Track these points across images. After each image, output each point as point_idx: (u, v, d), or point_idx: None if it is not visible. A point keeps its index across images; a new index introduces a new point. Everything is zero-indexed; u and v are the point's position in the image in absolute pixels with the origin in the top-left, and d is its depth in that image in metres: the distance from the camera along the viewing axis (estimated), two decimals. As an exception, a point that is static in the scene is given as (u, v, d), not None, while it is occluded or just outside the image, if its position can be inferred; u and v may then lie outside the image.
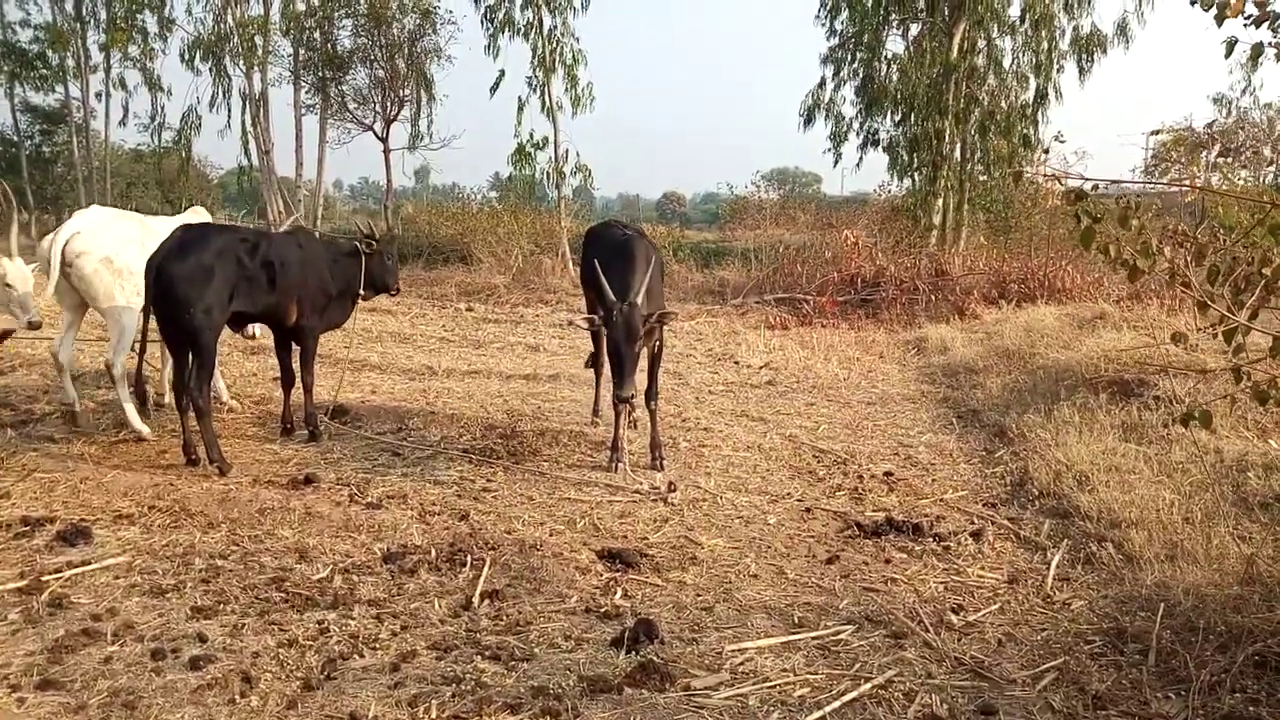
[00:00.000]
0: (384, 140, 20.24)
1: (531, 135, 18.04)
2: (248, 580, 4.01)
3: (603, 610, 3.73)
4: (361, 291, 6.70)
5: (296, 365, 6.45)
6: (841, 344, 11.79)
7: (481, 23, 17.40)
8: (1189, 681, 3.09)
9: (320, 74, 20.03)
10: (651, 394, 6.14)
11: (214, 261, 5.57)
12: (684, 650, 3.41)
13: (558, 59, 17.24)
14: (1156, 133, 16.94)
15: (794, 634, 3.57)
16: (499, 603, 3.78)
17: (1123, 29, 18.21)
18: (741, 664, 3.31)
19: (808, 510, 5.13)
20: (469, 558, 4.23)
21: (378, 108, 19.96)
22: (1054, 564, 4.22)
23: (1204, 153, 13.45)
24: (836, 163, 22.75)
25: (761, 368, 10.01)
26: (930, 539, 4.63)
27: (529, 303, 16.09)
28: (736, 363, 10.41)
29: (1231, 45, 2.79)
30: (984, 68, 19.65)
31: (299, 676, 3.13)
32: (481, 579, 3.98)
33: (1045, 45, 19.74)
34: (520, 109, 17.93)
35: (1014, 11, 19.85)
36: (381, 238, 6.79)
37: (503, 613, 3.70)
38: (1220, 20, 2.65)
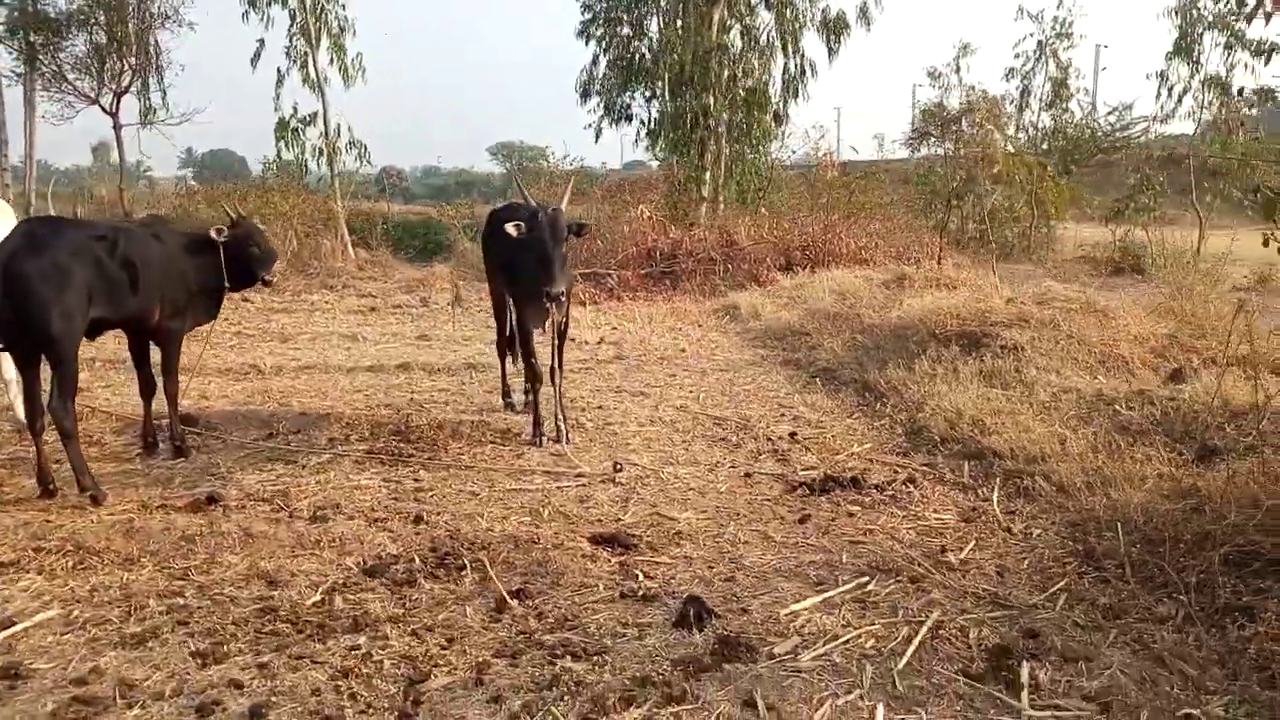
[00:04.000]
0: (114, 115, 18.02)
1: (295, 109, 16.84)
2: (231, 614, 3.59)
3: (639, 594, 3.72)
4: (227, 284, 6.04)
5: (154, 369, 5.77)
6: (657, 315, 12.12)
7: (235, -14, 15.91)
8: (1170, 586, 3.61)
9: (27, 38, 17.43)
10: (558, 367, 6.14)
11: (70, 260, 4.84)
12: (742, 620, 3.50)
13: (323, 28, 16.15)
14: (937, 108, 18.62)
15: (823, 591, 3.75)
16: (531, 601, 3.66)
17: (864, 12, 19.86)
18: (803, 625, 3.45)
19: (747, 475, 5.33)
20: (463, 560, 4.03)
21: (105, 78, 17.71)
22: (995, 500, 4.71)
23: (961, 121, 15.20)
24: (598, 138, 23.23)
25: (599, 343, 10.12)
26: (873, 490, 4.98)
27: (311, 289, 15.10)
28: (572, 339, 10.42)
29: None
30: (741, 47, 20.73)
31: (386, 708, 2.89)
32: (495, 580, 3.82)
33: (792, 26, 21.14)
34: (280, 82, 16.68)
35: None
36: (241, 222, 6.14)
37: (541, 611, 3.58)
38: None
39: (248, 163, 45.72)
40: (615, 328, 11.08)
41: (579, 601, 3.67)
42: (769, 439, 6.09)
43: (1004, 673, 3.10)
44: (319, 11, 16.06)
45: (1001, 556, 4.08)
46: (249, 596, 3.77)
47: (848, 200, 15.74)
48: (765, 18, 21.22)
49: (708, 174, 20.47)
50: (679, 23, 19.89)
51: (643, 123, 22.46)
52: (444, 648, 3.31)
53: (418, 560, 4.08)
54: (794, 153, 22.21)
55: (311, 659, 3.23)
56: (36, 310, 4.68)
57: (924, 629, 3.38)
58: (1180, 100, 19.44)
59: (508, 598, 3.65)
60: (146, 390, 5.87)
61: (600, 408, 6.92)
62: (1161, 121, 21.03)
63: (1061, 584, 3.73)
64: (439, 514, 4.71)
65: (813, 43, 21.46)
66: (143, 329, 5.64)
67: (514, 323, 6.72)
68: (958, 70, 28.24)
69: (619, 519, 4.63)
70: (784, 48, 21.10)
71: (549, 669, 3.11)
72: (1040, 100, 29.17)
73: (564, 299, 5.57)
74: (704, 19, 19.69)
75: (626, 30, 22.15)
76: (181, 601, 3.71)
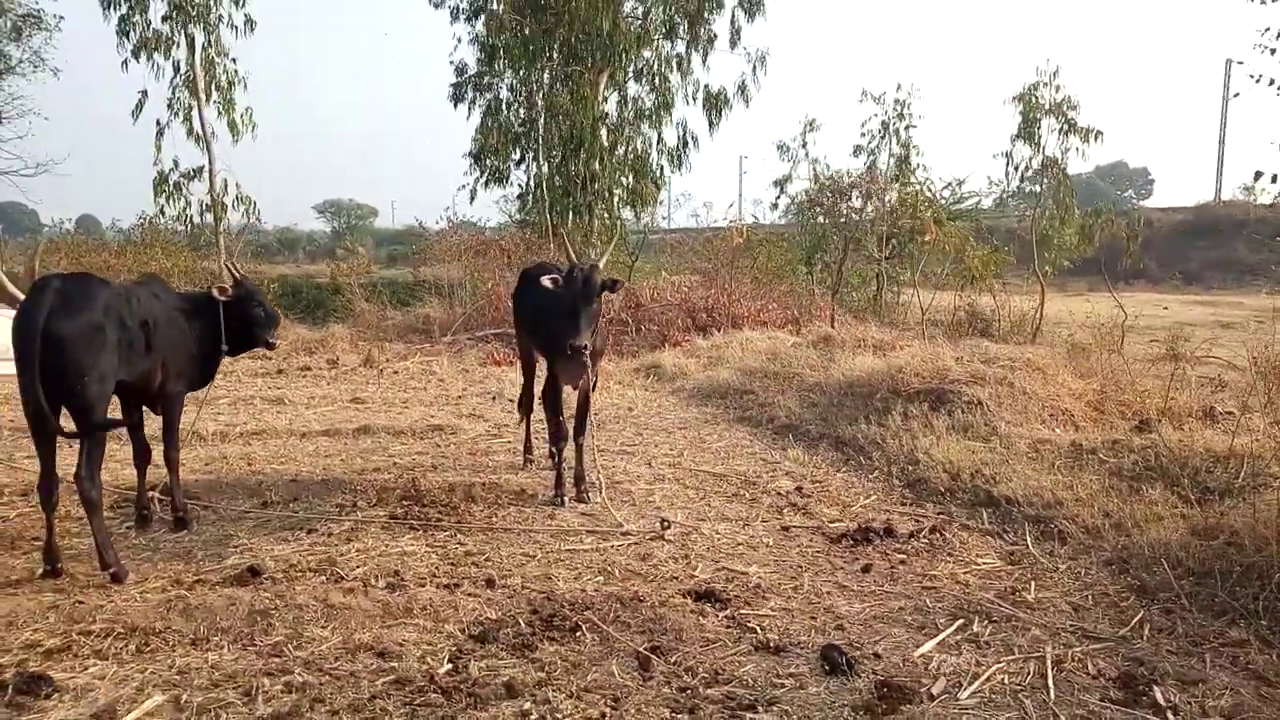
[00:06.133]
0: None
1: (176, 164, 16.05)
2: (364, 689, 3.43)
3: (770, 646, 3.81)
4: (224, 347, 5.77)
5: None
6: (583, 376, 12.19)
7: (117, 35, 15.05)
8: (1232, 613, 4.04)
9: None
10: (580, 429, 6.18)
11: (104, 319, 4.56)
12: (880, 664, 3.65)
13: (212, 82, 15.52)
14: (828, 180, 19.64)
15: (932, 634, 3.96)
16: (670, 658, 3.68)
17: (742, 89, 20.97)
18: (938, 667, 3.63)
19: (785, 529, 5.51)
20: (573, 621, 4.00)
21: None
22: (1031, 544, 5.08)
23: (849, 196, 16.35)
24: (473, 199, 23.24)
25: (540, 403, 10.09)
26: (910, 539, 5.26)
27: (199, 351, 14.27)
28: (511, 400, 10.35)
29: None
30: (625, 117, 21.41)
31: (609, 769, 2.85)
32: (622, 640, 3.81)
33: (666, 100, 22.02)
34: (160, 134, 15.87)
35: (635, 69, 21.92)
36: (243, 281, 5.91)
37: (689, 667, 3.61)
38: None
39: (39, 216, 42.36)
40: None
41: (718, 656, 3.72)
42: (779, 494, 6.30)
43: (1143, 697, 3.39)
44: (208, 64, 15.43)
45: (1067, 595, 4.42)
46: (367, 670, 3.61)
47: (751, 266, 16.40)
48: (637, 89, 22.06)
49: (595, 238, 20.89)
50: (569, 89, 20.34)
51: (521, 186, 22.72)
52: (613, 708, 3.29)
53: (522, 623, 4.02)
54: (665, 220, 23.01)
55: (486, 728, 3.14)
56: (74, 375, 4.37)
57: (1049, 666, 3.64)
58: (1024, 177, 21.39)
59: (651, 656, 3.65)
60: (141, 458, 5.51)
61: (599, 466, 6.93)
62: (1007, 197, 23.05)
63: (1139, 616, 4.09)
64: (509, 577, 4.63)
65: (696, 116, 22.44)
66: (146, 393, 5.32)
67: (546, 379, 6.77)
68: (804, 145, 30.07)
69: (693, 575, 4.70)
70: (653, 118, 21.95)
71: (738, 722, 3.16)
72: (886, 175, 31.40)
73: (591, 352, 5.64)
74: (592, 87, 20.25)
75: (506, 94, 22.45)
76: (300, 679, 3.51)
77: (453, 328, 14.93)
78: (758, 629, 3.99)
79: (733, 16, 21.21)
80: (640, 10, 20.56)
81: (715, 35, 21.52)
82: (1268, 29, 4.61)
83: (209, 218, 15.92)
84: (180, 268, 15.57)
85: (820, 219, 17.81)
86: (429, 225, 20.46)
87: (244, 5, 15.46)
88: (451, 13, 23.71)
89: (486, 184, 22.86)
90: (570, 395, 6.35)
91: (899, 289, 21.98)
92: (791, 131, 33.84)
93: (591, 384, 6.14)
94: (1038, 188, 21.66)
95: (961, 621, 4.09)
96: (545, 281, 5.61)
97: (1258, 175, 4.72)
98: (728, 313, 15.13)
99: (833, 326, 14.62)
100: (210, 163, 15.87)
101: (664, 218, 22.63)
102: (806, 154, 29.31)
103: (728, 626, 4.03)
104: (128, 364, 4.85)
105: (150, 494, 5.65)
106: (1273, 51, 4.78)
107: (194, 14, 15.18)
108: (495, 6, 21.62)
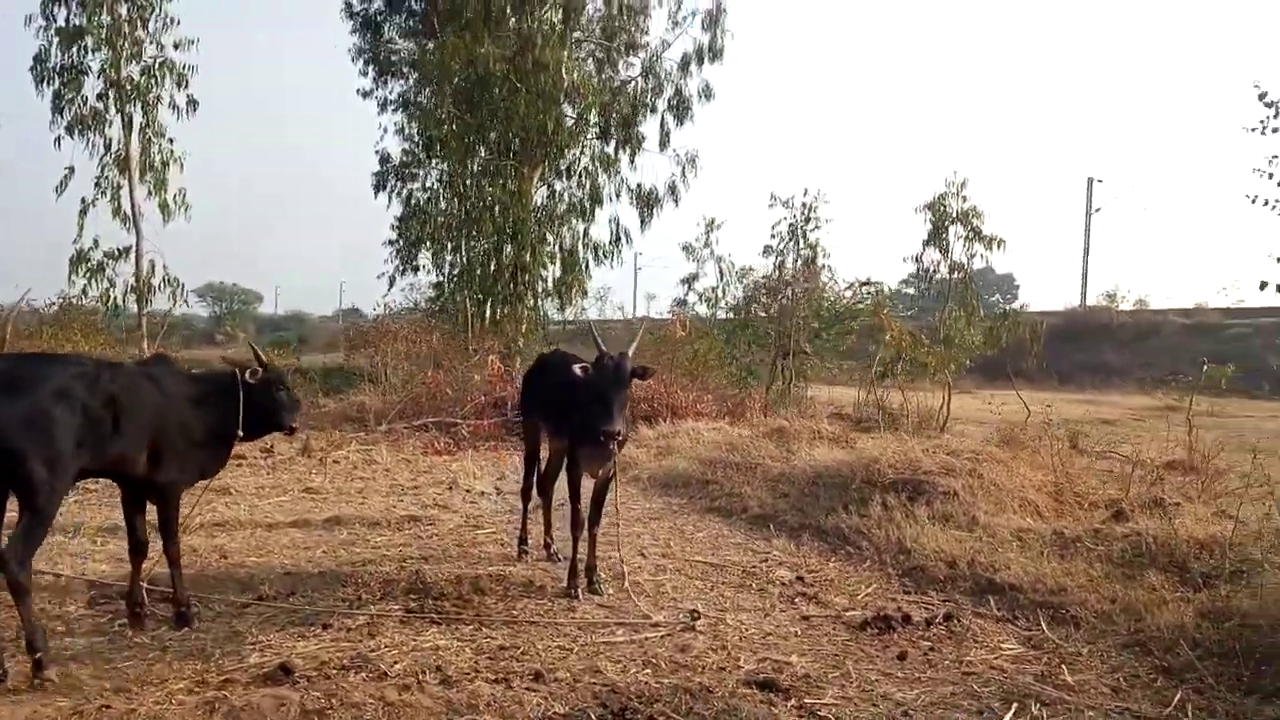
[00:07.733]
0: None
1: (96, 243, 15.47)
2: (461, 791, 3.29)
3: (850, 734, 3.84)
4: (240, 431, 5.53)
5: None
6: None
7: (52, 113, 14.60)
8: (1258, 692, 4.29)
9: None
10: (595, 519, 6.14)
11: (51, 403, 4.30)
12: (964, 751, 3.72)
13: (146, 161, 15.13)
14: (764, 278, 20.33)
15: (995, 717, 4.06)
16: (759, 749, 3.67)
17: (672, 189, 21.69)
18: (1018, 750, 3.73)
19: (805, 619, 5.57)
20: (646, 713, 3.95)
21: None
22: (1045, 628, 5.28)
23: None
24: (390, 287, 22.94)
25: (499, 493, 9.93)
26: (928, 627, 5.38)
27: (116, 439, 13.52)
28: (468, 490, 10.17)
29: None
30: (553, 211, 21.79)
31: None
32: (704, 731, 3.79)
33: (595, 196, 22.55)
34: (83, 212, 15.30)
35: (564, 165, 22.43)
36: (269, 365, 5.70)
37: (781, 756, 3.60)
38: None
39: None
40: (502, 476, 10.92)
41: (803, 746, 3.73)
42: (783, 583, 6.36)
43: (1214, 775, 3.55)
44: (145, 144, 15.06)
45: (1101, 677, 4.61)
46: (453, 770, 3.47)
47: (692, 358, 16.69)
48: (565, 185, 22.52)
49: (523, 327, 20.98)
50: (499, 183, 20.58)
51: (442, 275, 22.67)
52: (727, 801, 3.25)
53: (594, 718, 3.94)
54: (583, 310, 23.29)
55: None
56: (15, 458, 4.15)
57: (1118, 744, 3.78)
58: (932, 281, 22.57)
59: (742, 747, 3.64)
60: (138, 551, 5.21)
61: (621, 557, 6.85)
62: (883, 299, 24.16)
63: (1179, 697, 4.29)
64: (555, 670, 4.53)
65: (626, 211, 23.04)
66: (130, 479, 5.03)
67: (545, 465, 6.72)
68: (708, 245, 30.98)
69: (739, 665, 4.69)
70: (580, 213, 22.43)
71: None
72: (819, 271, 32.54)
73: (621, 442, 5.65)
74: (526, 181, 20.61)
75: (434, 184, 22.57)
76: (386, 782, 3.35)
77: (388, 416, 14.60)
78: (831, 717, 4.02)
79: (662, 120, 22.09)
80: (574, 112, 21.13)
81: (644, 137, 22.32)
82: (1275, 157, 5.21)
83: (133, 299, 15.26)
84: (100, 351, 14.82)
85: (731, 314, 18.49)
86: (365, 311, 20.07)
87: (187, 86, 15.23)
88: (379, 104, 23.99)
89: (404, 272, 22.81)
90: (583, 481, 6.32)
91: (806, 383, 22.73)
92: (691, 230, 34.79)
93: (612, 473, 6.13)
94: (915, 289, 22.88)
95: (1017, 705, 4.21)
96: (575, 369, 5.65)
97: (1263, 285, 5.23)
98: (667, 403, 15.28)
99: (765, 416, 15.02)
100: (138, 243, 15.32)
101: (583, 309, 22.80)
102: (711, 253, 30.08)
103: (800, 715, 4.05)
104: (94, 448, 4.54)
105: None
106: (1270, 176, 5.33)
107: (132, 94, 14.86)
108: (426, 101, 21.96)
